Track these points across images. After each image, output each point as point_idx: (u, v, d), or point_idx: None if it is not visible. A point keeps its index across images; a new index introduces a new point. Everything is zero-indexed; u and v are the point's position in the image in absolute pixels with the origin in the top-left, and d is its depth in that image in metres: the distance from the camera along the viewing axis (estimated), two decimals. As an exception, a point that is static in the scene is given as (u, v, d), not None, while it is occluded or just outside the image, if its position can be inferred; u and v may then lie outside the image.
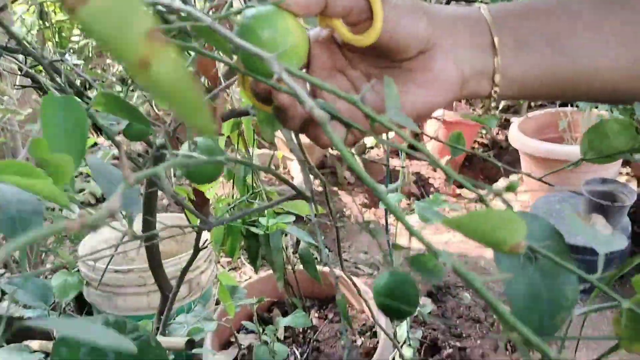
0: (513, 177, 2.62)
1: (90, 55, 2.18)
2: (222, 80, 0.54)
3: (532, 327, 0.30)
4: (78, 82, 1.00)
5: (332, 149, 2.98)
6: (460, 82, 0.39)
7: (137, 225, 0.86)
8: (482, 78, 0.39)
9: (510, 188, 0.28)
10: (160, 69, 0.16)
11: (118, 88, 2.36)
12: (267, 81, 0.33)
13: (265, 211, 1.01)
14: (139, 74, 0.16)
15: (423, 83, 0.38)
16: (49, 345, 0.81)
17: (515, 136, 2.34)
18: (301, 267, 1.17)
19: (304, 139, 0.84)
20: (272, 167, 2.76)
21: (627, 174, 2.51)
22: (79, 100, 0.32)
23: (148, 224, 0.85)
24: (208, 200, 0.70)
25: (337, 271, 1.09)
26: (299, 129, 0.39)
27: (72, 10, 0.15)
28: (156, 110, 2.08)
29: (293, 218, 1.08)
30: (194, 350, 0.93)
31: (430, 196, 2.66)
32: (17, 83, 1.24)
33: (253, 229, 0.99)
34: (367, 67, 0.40)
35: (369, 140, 2.80)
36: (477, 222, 0.23)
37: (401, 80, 0.38)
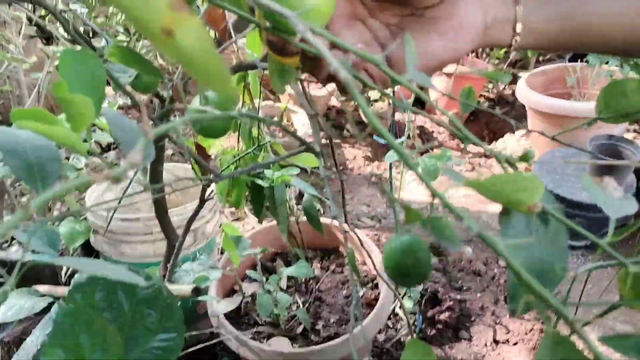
0: (519, 133, 2.61)
1: (93, 3, 2.14)
2: (231, 33, 0.53)
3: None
4: (82, 30, 0.99)
5: (337, 102, 2.95)
6: (483, 29, 0.38)
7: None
8: (505, 26, 0.39)
9: (524, 158, 0.28)
10: (183, 38, 0.16)
11: (122, 37, 2.33)
12: (292, 40, 0.32)
13: (271, 165, 1.01)
14: (163, 43, 0.16)
15: (447, 31, 0.37)
16: (57, 289, 0.83)
17: (523, 91, 2.31)
18: (304, 218, 1.18)
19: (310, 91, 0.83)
20: (276, 119, 2.75)
21: (635, 130, 2.49)
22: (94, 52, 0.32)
23: (156, 175, 0.85)
24: (209, 156, 0.70)
25: (342, 224, 1.10)
26: (327, 79, 0.38)
27: None
28: (161, 62, 2.05)
29: (298, 170, 1.08)
30: (200, 297, 0.95)
31: (435, 151, 2.65)
32: (23, 32, 1.22)
33: (258, 181, 1.00)
34: (387, 17, 0.39)
35: (373, 93, 2.78)
36: (498, 184, 0.23)
37: (424, 29, 0.37)
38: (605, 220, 1.82)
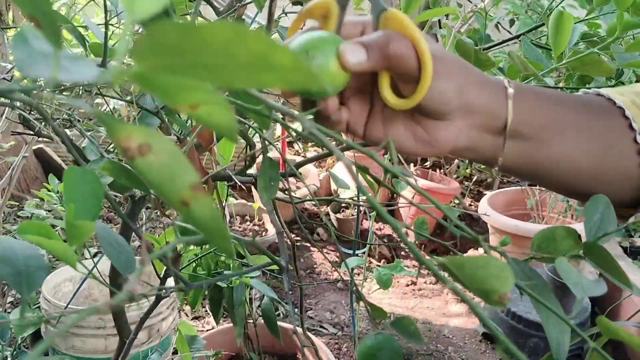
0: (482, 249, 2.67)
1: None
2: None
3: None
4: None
5: (305, 204, 3.02)
6: (452, 149, 0.44)
7: (104, 265, 0.88)
8: (476, 154, 0.46)
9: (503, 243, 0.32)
10: (197, 208, 0.21)
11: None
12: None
13: (231, 264, 1.03)
14: (179, 209, 0.21)
15: (422, 140, 0.44)
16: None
17: (485, 209, 2.41)
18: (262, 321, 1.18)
19: (279, 195, 0.88)
20: (247, 218, 2.78)
21: (591, 255, 2.58)
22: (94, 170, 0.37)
23: (115, 270, 0.86)
24: (180, 255, 0.73)
25: (296, 330, 1.10)
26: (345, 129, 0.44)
27: (132, 159, 0.19)
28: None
29: (258, 273, 1.10)
30: (146, 399, 0.93)
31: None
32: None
33: (217, 282, 1.02)
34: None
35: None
36: (475, 267, 0.24)
37: (409, 127, 0.44)
38: (562, 342, 1.83)
